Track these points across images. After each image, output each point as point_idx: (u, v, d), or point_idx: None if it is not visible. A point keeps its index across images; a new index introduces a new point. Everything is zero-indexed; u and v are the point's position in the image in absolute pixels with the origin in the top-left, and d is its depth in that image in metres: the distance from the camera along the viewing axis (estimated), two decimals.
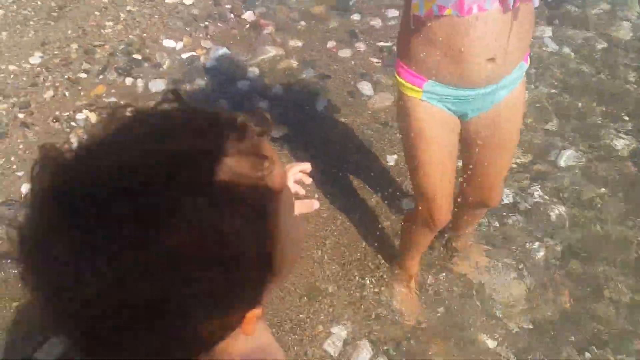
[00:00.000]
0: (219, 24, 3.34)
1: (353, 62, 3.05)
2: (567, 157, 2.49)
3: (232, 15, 3.41)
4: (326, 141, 2.60)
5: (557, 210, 2.29)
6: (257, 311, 0.54)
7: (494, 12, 1.28)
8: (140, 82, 2.93)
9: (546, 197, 2.35)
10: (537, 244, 2.18)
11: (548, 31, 3.17)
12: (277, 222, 0.52)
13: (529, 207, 2.32)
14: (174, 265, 0.44)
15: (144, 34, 3.24)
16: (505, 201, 2.30)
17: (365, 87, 2.89)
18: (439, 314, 2.00)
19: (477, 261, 2.14)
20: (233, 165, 0.48)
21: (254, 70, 3.01)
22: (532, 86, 2.85)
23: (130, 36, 3.21)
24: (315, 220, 2.25)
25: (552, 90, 2.85)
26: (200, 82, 2.94)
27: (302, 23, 3.33)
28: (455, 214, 1.78)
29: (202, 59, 3.09)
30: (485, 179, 1.70)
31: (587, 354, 1.87)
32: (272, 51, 3.12)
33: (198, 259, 0.45)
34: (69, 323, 0.47)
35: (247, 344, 0.59)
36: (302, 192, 0.98)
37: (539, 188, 2.39)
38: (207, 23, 3.35)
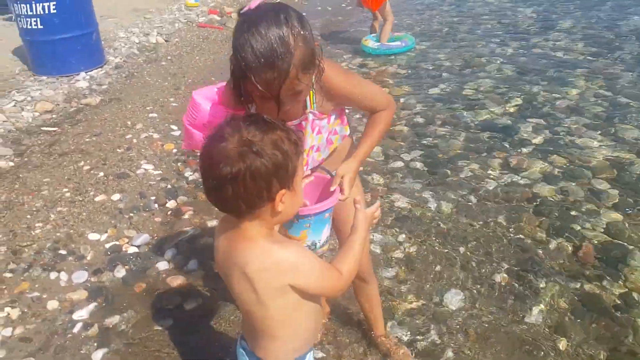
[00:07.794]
0: (142, 214, 3.70)
1: None
2: (453, 298, 2.80)
3: (156, 205, 3.81)
4: None
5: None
6: (282, 191, 1.20)
7: None
8: (63, 275, 3.13)
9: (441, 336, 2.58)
10: None
11: (427, 192, 3.76)
12: (296, 166, 1.23)
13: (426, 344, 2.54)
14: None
15: (71, 231, 3.53)
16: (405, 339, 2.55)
17: None
18: None
19: None
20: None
21: (172, 250, 3.31)
22: (419, 239, 3.26)
23: (57, 234, 3.50)
24: None
25: (436, 240, 3.26)
26: (120, 268, 3.18)
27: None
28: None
29: (124, 247, 3.37)
30: None
31: None
32: (190, 231, 3.47)
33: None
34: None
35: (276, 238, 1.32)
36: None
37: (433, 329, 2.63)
38: (131, 214, 3.70)
